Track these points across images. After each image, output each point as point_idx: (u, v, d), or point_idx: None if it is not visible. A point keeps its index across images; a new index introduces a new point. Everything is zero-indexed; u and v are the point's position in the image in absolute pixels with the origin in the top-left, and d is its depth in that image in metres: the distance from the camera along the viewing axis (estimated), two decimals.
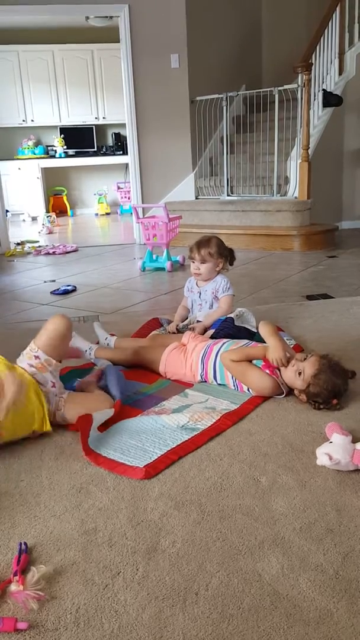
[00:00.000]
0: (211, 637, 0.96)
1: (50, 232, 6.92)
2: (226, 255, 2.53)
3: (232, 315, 2.39)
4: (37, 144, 8.59)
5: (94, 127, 8.65)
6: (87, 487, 1.43)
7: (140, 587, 1.08)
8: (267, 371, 1.88)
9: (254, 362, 1.92)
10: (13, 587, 1.07)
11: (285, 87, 5.08)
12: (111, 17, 6.37)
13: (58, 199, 8.78)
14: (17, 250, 5.48)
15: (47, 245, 5.74)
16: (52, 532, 1.26)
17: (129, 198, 7.73)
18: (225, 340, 2.11)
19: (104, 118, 8.61)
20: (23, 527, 1.28)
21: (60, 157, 8.51)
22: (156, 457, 1.53)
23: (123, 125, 6.07)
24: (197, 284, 2.59)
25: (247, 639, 0.96)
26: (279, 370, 1.87)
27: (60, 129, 8.53)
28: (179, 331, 2.47)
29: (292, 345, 2.34)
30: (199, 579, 1.10)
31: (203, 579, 1.10)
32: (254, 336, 2.26)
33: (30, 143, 8.48)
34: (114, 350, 2.28)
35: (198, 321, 2.46)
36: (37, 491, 1.42)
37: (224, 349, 2.02)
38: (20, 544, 1.18)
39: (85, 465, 1.52)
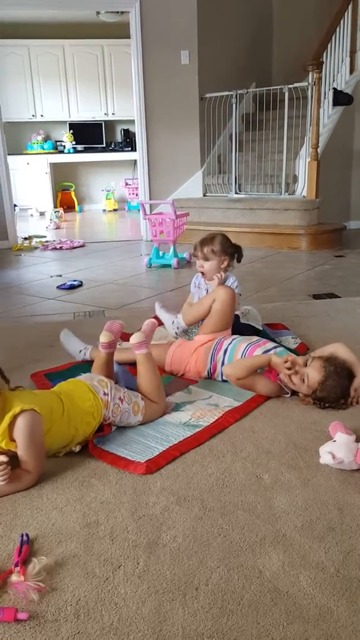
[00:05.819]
0: (210, 632, 0.97)
1: (58, 227, 6.92)
2: (231, 252, 2.48)
3: (237, 312, 2.38)
4: (46, 139, 8.59)
5: (103, 122, 8.64)
6: (90, 481, 1.43)
7: (140, 581, 1.09)
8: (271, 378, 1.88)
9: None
10: (14, 577, 1.08)
11: (296, 85, 5.05)
12: (122, 13, 6.38)
13: (66, 195, 8.78)
14: (25, 244, 5.50)
15: (54, 240, 5.74)
16: (54, 524, 1.27)
17: (136, 194, 7.72)
18: (234, 336, 2.10)
19: (113, 114, 8.59)
20: (25, 519, 1.29)
21: (69, 152, 8.51)
22: (158, 453, 1.53)
23: (132, 122, 6.05)
24: (204, 281, 2.58)
25: (246, 635, 0.96)
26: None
27: (70, 124, 8.53)
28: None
29: (297, 344, 2.34)
30: (199, 574, 1.10)
31: (203, 574, 1.10)
32: (260, 334, 2.25)
33: (40, 138, 8.48)
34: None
35: None
36: (39, 483, 1.42)
37: (234, 345, 2.02)
38: (22, 535, 1.19)
39: (88, 459, 1.53)
